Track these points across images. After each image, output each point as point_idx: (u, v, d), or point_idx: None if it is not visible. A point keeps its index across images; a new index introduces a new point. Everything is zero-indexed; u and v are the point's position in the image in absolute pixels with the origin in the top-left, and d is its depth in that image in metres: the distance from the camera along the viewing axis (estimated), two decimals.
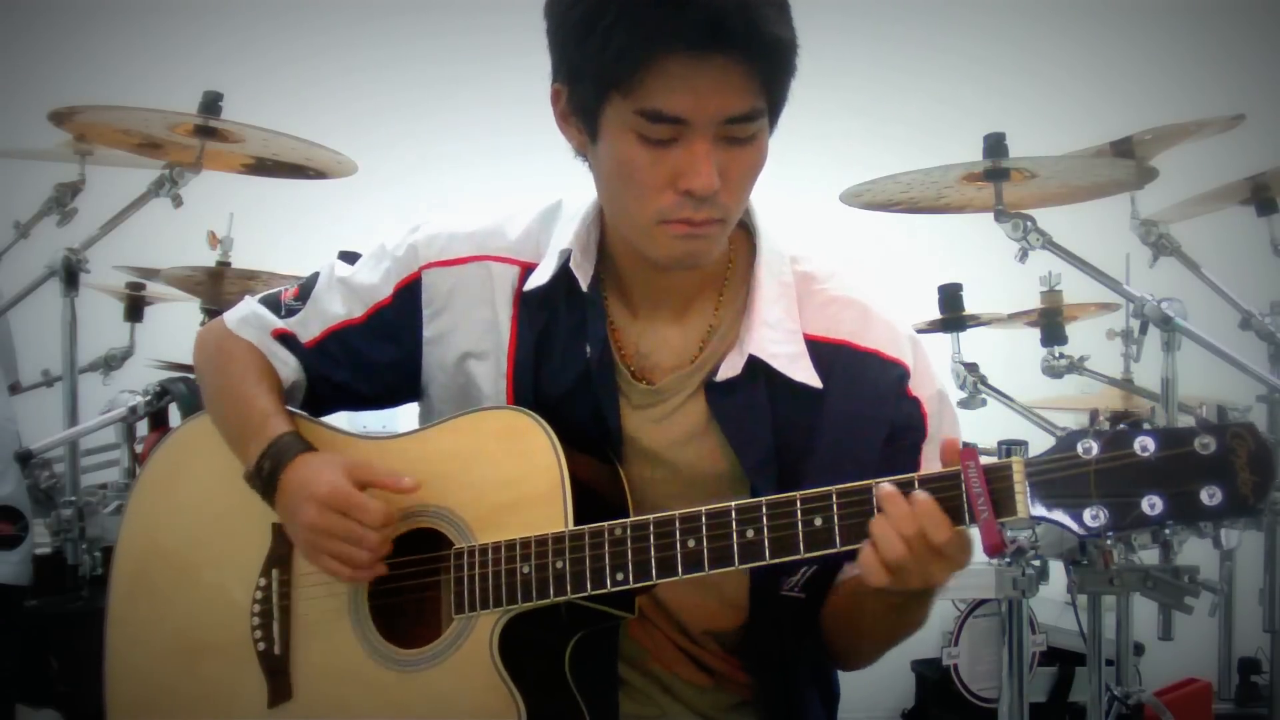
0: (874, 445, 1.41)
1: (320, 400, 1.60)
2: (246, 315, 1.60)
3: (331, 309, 1.56)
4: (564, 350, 1.47)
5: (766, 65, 1.27)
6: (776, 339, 1.43)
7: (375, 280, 1.54)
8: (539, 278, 1.47)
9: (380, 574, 1.43)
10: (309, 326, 1.57)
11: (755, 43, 1.25)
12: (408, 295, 1.52)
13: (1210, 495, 1.14)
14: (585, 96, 1.32)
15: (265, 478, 1.47)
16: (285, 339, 1.57)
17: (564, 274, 1.45)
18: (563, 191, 1.53)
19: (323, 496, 1.40)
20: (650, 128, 1.29)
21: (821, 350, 1.44)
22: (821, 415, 1.42)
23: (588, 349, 1.46)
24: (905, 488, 1.24)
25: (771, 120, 1.34)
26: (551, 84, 1.38)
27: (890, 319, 1.48)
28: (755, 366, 1.42)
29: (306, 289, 1.59)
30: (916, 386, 1.45)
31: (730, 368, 1.42)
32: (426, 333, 1.53)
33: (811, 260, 1.50)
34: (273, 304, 1.60)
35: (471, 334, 1.51)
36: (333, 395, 1.60)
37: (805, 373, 1.42)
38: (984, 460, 1.22)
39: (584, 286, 1.45)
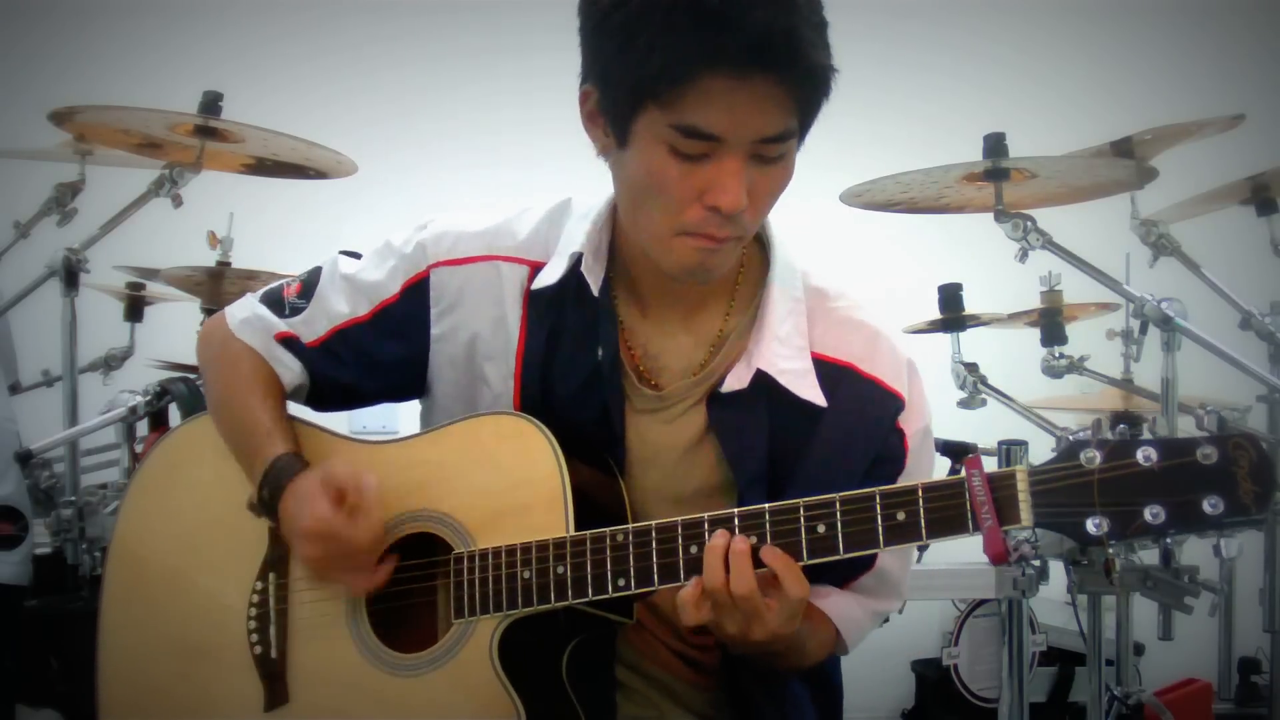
0: (857, 472, 1.41)
1: (324, 399, 1.60)
2: (249, 317, 1.58)
3: (336, 307, 1.55)
4: (573, 351, 1.47)
5: (804, 88, 1.27)
6: (786, 355, 1.43)
7: (381, 277, 1.53)
8: (547, 277, 1.46)
9: (383, 578, 1.44)
10: (313, 326, 1.55)
11: (797, 66, 1.25)
12: (415, 293, 1.52)
13: (1212, 505, 1.15)
14: (618, 103, 1.31)
15: (267, 506, 1.47)
16: (288, 342, 1.56)
17: (573, 275, 1.45)
18: (561, 192, 1.53)
19: (309, 532, 1.41)
20: (684, 142, 1.28)
21: (826, 369, 1.44)
22: (816, 434, 1.42)
23: (599, 352, 1.45)
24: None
25: (800, 139, 1.33)
26: (581, 84, 1.36)
27: (895, 346, 1.48)
28: (760, 380, 1.41)
29: (310, 285, 1.57)
30: (906, 420, 1.45)
31: (737, 380, 1.42)
32: (434, 330, 1.52)
33: (822, 276, 1.50)
34: (275, 302, 1.58)
35: (480, 333, 1.50)
36: (336, 394, 1.59)
37: (811, 390, 1.43)
38: (987, 468, 1.22)
39: (595, 291, 1.44)
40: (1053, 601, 2.63)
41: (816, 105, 1.31)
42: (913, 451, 1.45)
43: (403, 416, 1.77)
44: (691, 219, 1.32)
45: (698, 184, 1.30)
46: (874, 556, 1.45)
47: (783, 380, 1.42)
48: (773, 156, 1.30)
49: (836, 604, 1.47)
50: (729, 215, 1.30)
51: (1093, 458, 1.19)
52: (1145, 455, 1.17)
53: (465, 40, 4.13)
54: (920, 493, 1.25)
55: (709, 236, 1.33)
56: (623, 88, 1.30)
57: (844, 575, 1.47)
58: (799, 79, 1.26)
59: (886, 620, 1.64)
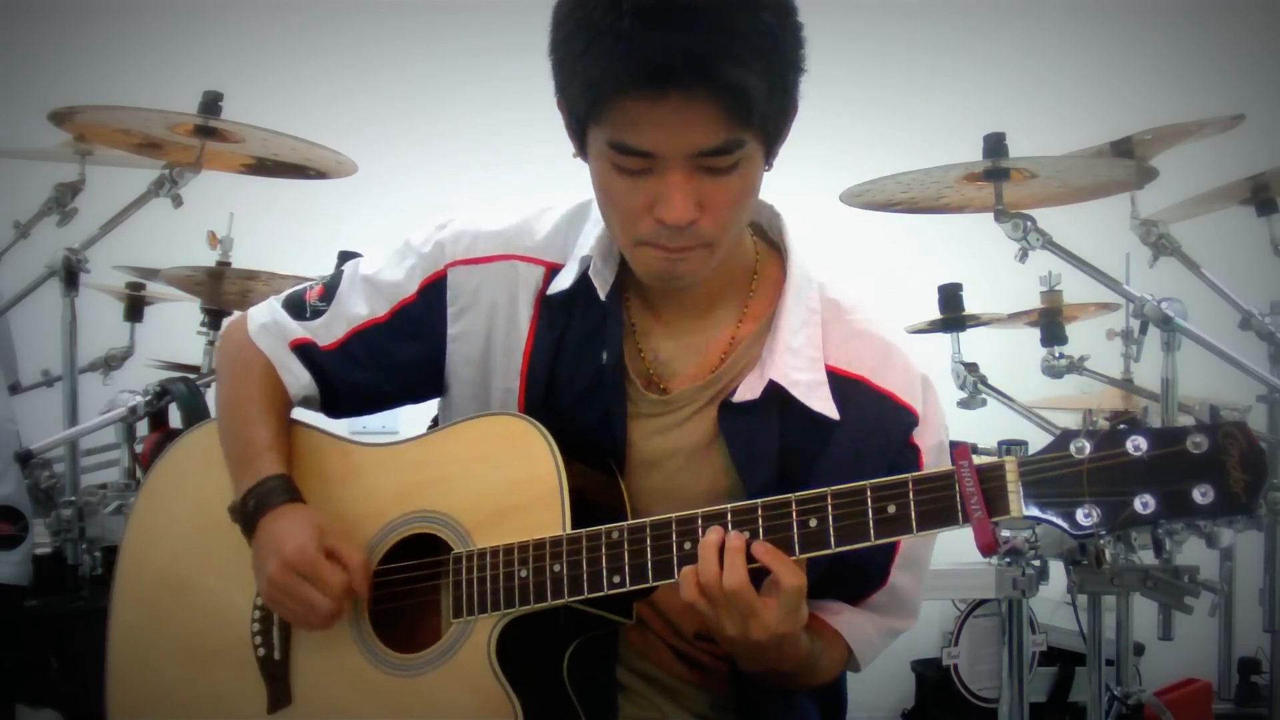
0: None
1: (340, 404, 1.59)
2: (267, 323, 1.58)
3: (355, 309, 1.54)
4: (579, 355, 1.47)
5: (731, 102, 1.23)
6: (799, 366, 1.42)
7: (400, 278, 1.53)
8: (561, 282, 1.46)
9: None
10: (332, 328, 1.55)
11: (714, 82, 1.21)
12: (433, 292, 1.51)
13: (1202, 494, 1.15)
14: (570, 121, 1.33)
15: (247, 516, 1.47)
16: (302, 349, 1.55)
17: (586, 279, 1.45)
18: (560, 192, 1.52)
19: (288, 557, 1.40)
20: (621, 158, 1.28)
21: (839, 382, 1.43)
22: (828, 447, 1.41)
23: (604, 355, 1.45)
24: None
25: (770, 143, 1.31)
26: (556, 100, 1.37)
27: (909, 361, 1.47)
28: (773, 391, 1.41)
29: (332, 288, 1.57)
30: (920, 435, 1.44)
31: (749, 390, 1.41)
32: (451, 330, 1.52)
33: (839, 288, 1.49)
34: (296, 305, 1.58)
35: (495, 332, 1.50)
36: (355, 398, 1.58)
37: (823, 403, 1.42)
38: (978, 460, 1.22)
39: (602, 295, 1.44)
40: (1053, 601, 2.64)
41: (759, 115, 1.26)
42: (928, 467, 1.43)
43: (403, 418, 1.77)
44: (645, 231, 1.32)
45: (644, 198, 1.30)
46: (886, 574, 1.45)
47: (795, 392, 1.41)
48: (723, 168, 1.28)
49: (849, 621, 1.47)
50: (677, 227, 1.29)
51: (1082, 448, 1.19)
52: (1135, 445, 1.17)
53: (465, 40, 4.13)
54: (910, 485, 1.25)
55: (664, 247, 1.32)
56: (568, 107, 1.31)
57: (856, 593, 1.47)
58: (721, 95, 1.22)
59: None
